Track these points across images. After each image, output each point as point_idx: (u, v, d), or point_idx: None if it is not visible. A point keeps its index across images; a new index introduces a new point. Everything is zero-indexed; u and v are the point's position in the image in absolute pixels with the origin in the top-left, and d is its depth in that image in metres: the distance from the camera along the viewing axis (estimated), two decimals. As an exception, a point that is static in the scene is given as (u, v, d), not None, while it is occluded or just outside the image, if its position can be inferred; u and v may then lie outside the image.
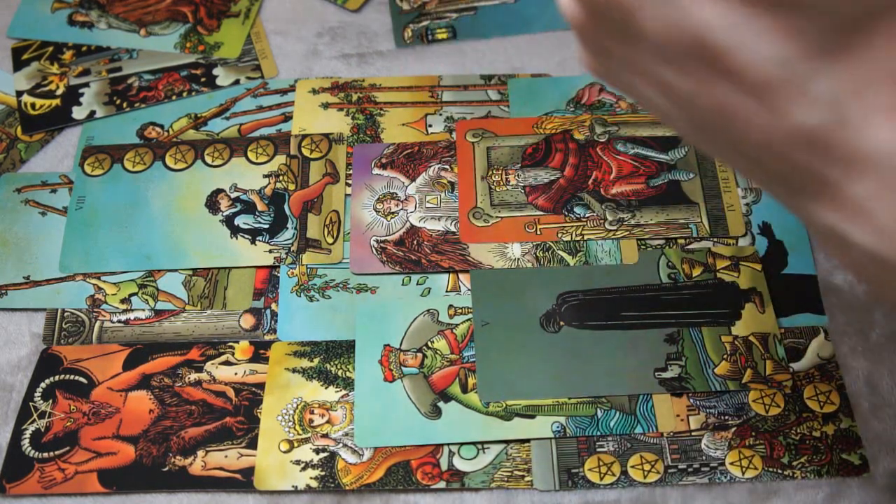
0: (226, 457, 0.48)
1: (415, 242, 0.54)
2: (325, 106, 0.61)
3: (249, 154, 0.58)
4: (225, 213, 0.56)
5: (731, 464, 0.47)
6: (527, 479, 0.47)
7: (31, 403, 0.50)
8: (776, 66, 0.22)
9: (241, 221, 0.56)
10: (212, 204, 0.56)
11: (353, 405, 0.49)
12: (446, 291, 0.53)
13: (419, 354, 0.51)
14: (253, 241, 0.55)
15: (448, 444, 0.48)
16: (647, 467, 0.47)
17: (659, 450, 0.48)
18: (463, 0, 0.66)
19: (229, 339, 0.52)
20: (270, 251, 0.54)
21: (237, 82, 0.62)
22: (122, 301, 0.53)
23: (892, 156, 0.22)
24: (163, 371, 0.51)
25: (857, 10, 0.21)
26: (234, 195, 0.57)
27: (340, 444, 0.48)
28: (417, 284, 0.53)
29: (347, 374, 0.50)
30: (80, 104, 0.61)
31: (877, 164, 0.22)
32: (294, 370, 0.50)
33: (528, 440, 0.48)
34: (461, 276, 0.53)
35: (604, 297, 0.52)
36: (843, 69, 0.21)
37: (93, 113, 0.61)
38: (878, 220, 0.23)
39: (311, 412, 0.49)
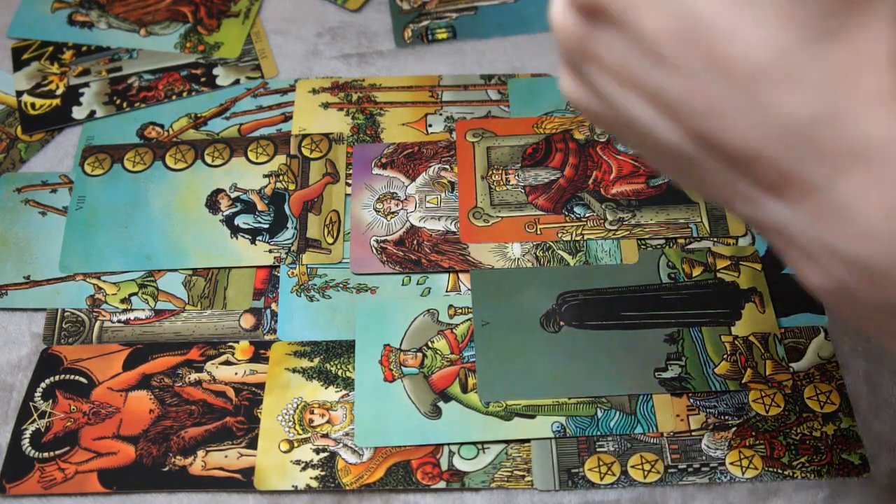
0: (226, 457, 0.48)
1: (415, 242, 0.54)
2: (325, 106, 0.61)
3: (249, 154, 0.58)
4: (225, 213, 0.56)
5: (731, 464, 0.47)
6: (527, 479, 0.47)
7: (31, 403, 0.50)
8: (771, 52, 0.21)
9: (241, 221, 0.56)
10: (212, 204, 0.56)
11: (353, 405, 0.49)
12: (446, 291, 0.53)
13: (419, 354, 0.51)
14: (253, 241, 0.55)
15: (448, 444, 0.48)
16: (647, 467, 0.47)
17: (659, 450, 0.48)
18: (463, 0, 0.66)
19: (229, 339, 0.52)
20: (270, 251, 0.54)
21: (237, 82, 0.62)
22: (122, 301, 0.53)
23: (885, 146, 0.21)
24: (163, 371, 0.51)
25: None
26: (234, 195, 0.57)
27: (340, 444, 0.48)
28: (417, 284, 0.53)
29: (347, 374, 0.50)
30: (80, 104, 0.61)
31: (868, 156, 0.21)
32: (294, 370, 0.50)
33: (528, 440, 0.48)
34: (461, 276, 0.53)
35: (604, 297, 0.52)
36: (836, 54, 0.21)
37: (93, 113, 0.61)
38: (864, 220, 0.22)
39: (311, 412, 0.49)
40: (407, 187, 0.57)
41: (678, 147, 0.25)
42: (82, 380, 0.51)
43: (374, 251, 0.54)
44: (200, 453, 0.48)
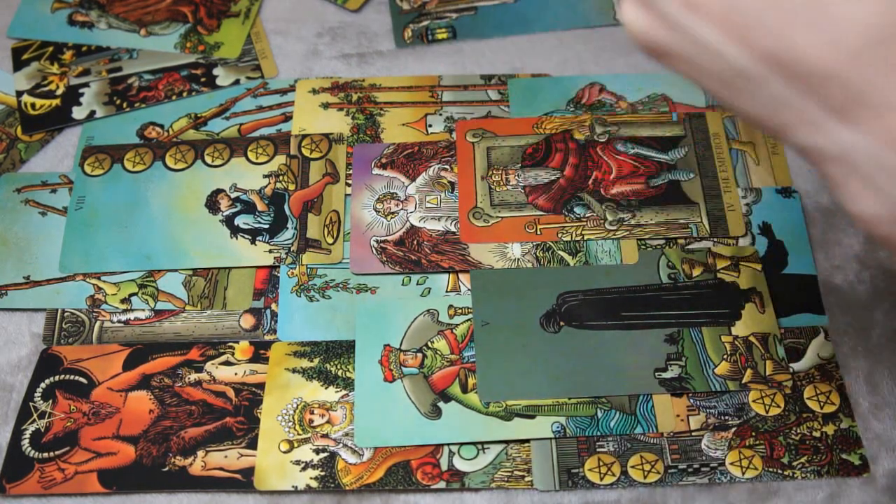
0: (226, 457, 0.48)
1: (415, 242, 0.54)
2: (325, 106, 0.61)
3: (249, 154, 0.58)
4: (225, 213, 0.56)
5: (731, 464, 0.47)
6: (527, 479, 0.47)
7: (31, 403, 0.50)
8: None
9: (241, 221, 0.56)
10: (212, 204, 0.56)
11: (353, 405, 0.49)
12: (446, 291, 0.53)
13: (419, 354, 0.51)
14: (253, 241, 0.55)
15: (448, 444, 0.48)
16: (647, 467, 0.47)
17: (659, 450, 0.48)
18: (463, 0, 0.66)
19: (229, 339, 0.52)
20: (270, 251, 0.54)
21: (237, 82, 0.62)
22: (122, 301, 0.53)
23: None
24: (163, 371, 0.51)
25: None
26: (234, 195, 0.57)
27: (340, 444, 0.48)
28: (417, 284, 0.53)
29: (347, 374, 0.50)
30: (80, 104, 0.61)
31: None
32: (294, 370, 0.50)
33: (528, 440, 0.48)
34: (461, 276, 0.53)
35: (604, 297, 0.52)
36: None
37: (93, 113, 0.61)
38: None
39: (311, 412, 0.49)
40: (407, 187, 0.57)
41: (746, 70, 0.26)
42: (82, 380, 0.51)
43: (374, 251, 0.54)
44: (200, 453, 0.48)
